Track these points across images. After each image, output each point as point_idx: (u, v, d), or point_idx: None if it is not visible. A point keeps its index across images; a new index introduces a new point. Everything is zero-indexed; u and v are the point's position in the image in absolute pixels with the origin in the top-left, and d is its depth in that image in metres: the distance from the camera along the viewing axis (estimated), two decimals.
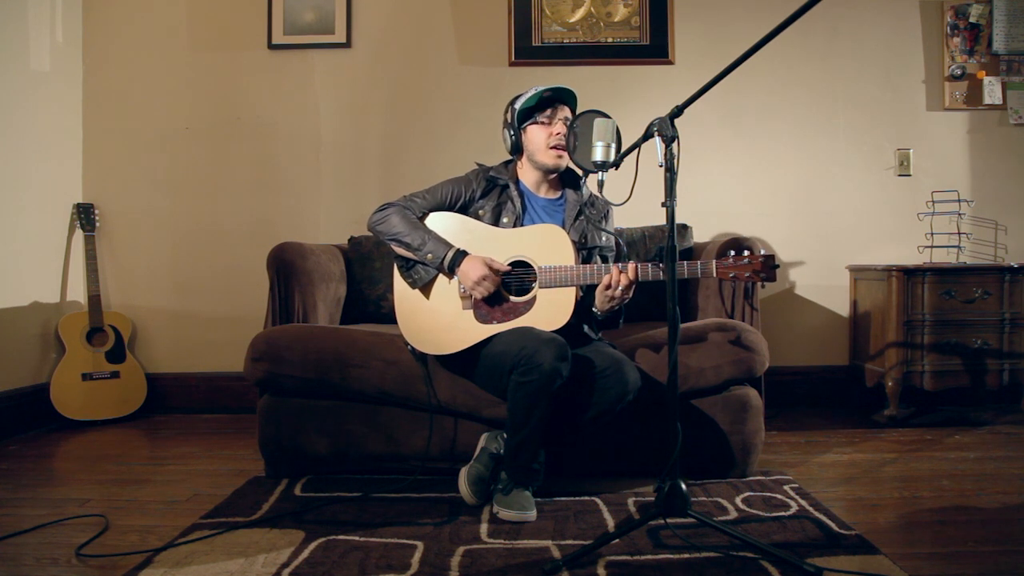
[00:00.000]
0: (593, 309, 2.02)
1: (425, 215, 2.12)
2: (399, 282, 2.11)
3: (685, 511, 1.61)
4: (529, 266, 2.00)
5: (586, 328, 2.10)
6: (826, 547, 1.63)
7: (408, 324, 2.09)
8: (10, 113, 2.97)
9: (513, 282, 2.02)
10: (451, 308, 2.04)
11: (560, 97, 2.09)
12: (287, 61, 3.36)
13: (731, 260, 1.87)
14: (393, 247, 2.08)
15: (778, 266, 1.88)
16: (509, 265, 2.01)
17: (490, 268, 1.96)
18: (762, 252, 1.93)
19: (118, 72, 3.36)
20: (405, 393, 2.16)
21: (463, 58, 3.36)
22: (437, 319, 2.05)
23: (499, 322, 1.98)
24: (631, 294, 1.93)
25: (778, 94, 3.33)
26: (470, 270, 1.96)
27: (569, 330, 1.97)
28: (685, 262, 1.88)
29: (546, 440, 1.95)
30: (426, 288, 2.07)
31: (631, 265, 1.88)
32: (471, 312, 2.02)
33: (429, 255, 2.01)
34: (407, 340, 2.11)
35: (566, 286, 1.94)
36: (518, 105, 2.09)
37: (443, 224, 2.10)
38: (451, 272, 2.01)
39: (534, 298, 1.98)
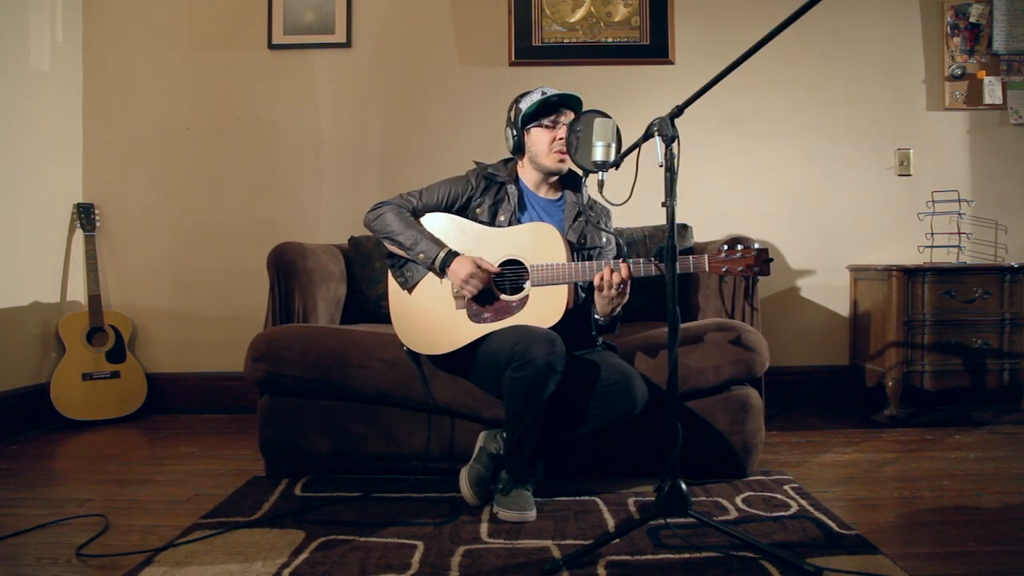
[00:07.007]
0: (595, 316, 2.02)
1: (420, 214, 2.12)
2: (393, 283, 2.12)
3: (685, 511, 1.61)
4: (522, 265, 2.00)
5: (595, 332, 2.10)
6: (826, 547, 1.63)
7: (401, 324, 2.10)
8: (10, 113, 2.97)
9: (506, 281, 2.02)
10: (444, 308, 2.04)
11: (565, 102, 2.09)
12: (287, 61, 3.36)
13: (723, 254, 1.87)
14: (386, 244, 2.09)
15: (771, 260, 1.88)
16: (501, 265, 2.01)
17: (479, 267, 1.97)
18: (755, 245, 1.92)
19: (118, 72, 3.36)
20: (404, 393, 2.16)
21: (463, 58, 3.36)
22: (430, 319, 2.05)
23: (491, 321, 1.98)
24: (627, 294, 1.92)
25: (778, 94, 3.33)
26: (459, 269, 1.97)
27: (575, 330, 1.97)
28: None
29: (545, 449, 1.95)
30: (419, 288, 2.07)
31: (623, 264, 1.88)
32: (464, 312, 2.02)
33: (421, 255, 2.02)
34: (401, 340, 2.11)
35: (558, 284, 1.94)
36: (523, 106, 2.08)
37: (436, 224, 2.10)
38: (442, 272, 2.01)
39: (527, 296, 1.98)
